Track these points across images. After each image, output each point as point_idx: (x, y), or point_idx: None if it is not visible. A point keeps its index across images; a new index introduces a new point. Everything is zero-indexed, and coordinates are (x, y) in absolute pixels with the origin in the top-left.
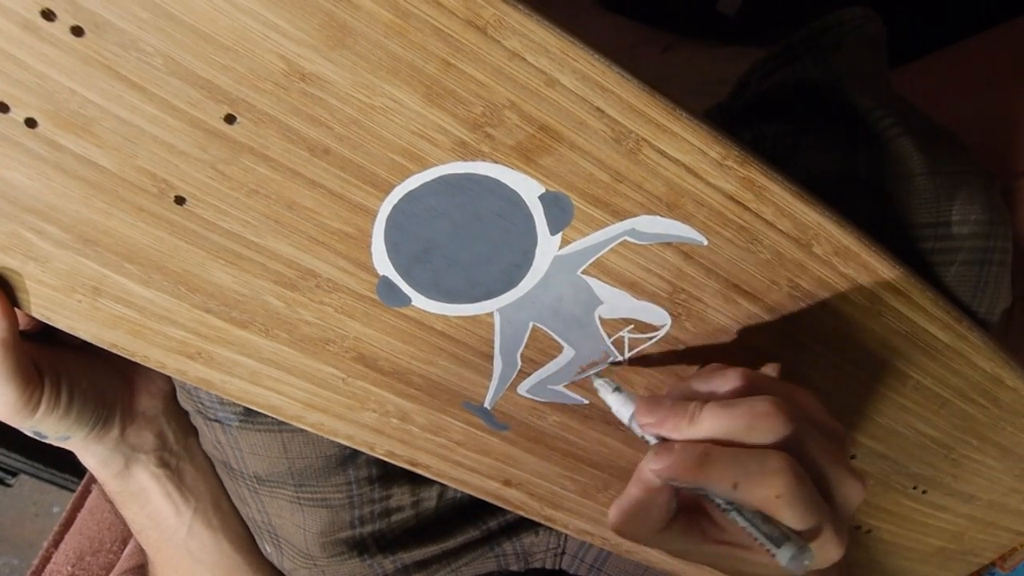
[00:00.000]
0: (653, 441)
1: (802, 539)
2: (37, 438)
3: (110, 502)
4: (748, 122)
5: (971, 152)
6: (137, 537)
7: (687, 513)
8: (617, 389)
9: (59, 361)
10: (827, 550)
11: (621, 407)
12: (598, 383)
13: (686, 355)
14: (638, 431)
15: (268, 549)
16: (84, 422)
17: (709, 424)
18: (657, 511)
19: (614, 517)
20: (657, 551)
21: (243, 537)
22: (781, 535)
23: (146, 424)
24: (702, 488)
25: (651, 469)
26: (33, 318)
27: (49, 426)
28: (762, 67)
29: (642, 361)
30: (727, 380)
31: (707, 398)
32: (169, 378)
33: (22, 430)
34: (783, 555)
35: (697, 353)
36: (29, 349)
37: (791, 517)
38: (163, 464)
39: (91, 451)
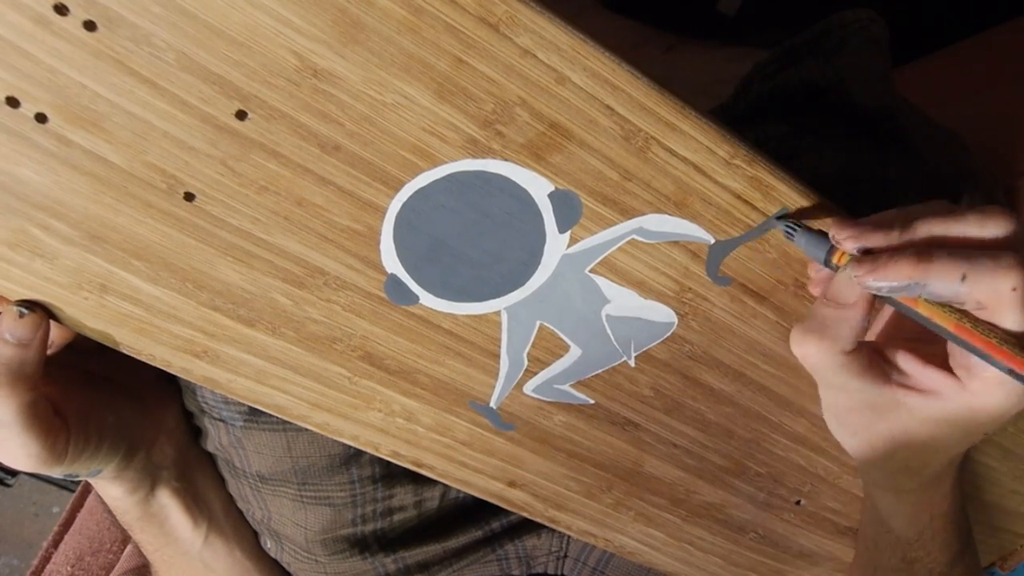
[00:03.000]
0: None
1: None
2: (68, 479)
3: (128, 530)
4: (750, 123)
5: (973, 152)
6: (150, 557)
7: (871, 354)
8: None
9: (83, 401)
10: None
11: (812, 247)
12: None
13: (693, 354)
14: (819, 258)
15: (268, 544)
16: (114, 453)
17: (927, 228)
18: (849, 330)
19: (797, 339)
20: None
21: (252, 542)
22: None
23: (168, 439)
24: (916, 285)
25: (856, 275)
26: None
27: (80, 467)
28: (764, 68)
29: (648, 361)
30: (935, 203)
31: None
32: (179, 391)
33: (54, 476)
34: None
35: (703, 352)
36: (52, 395)
37: (1016, 317)
38: (182, 477)
39: (121, 479)
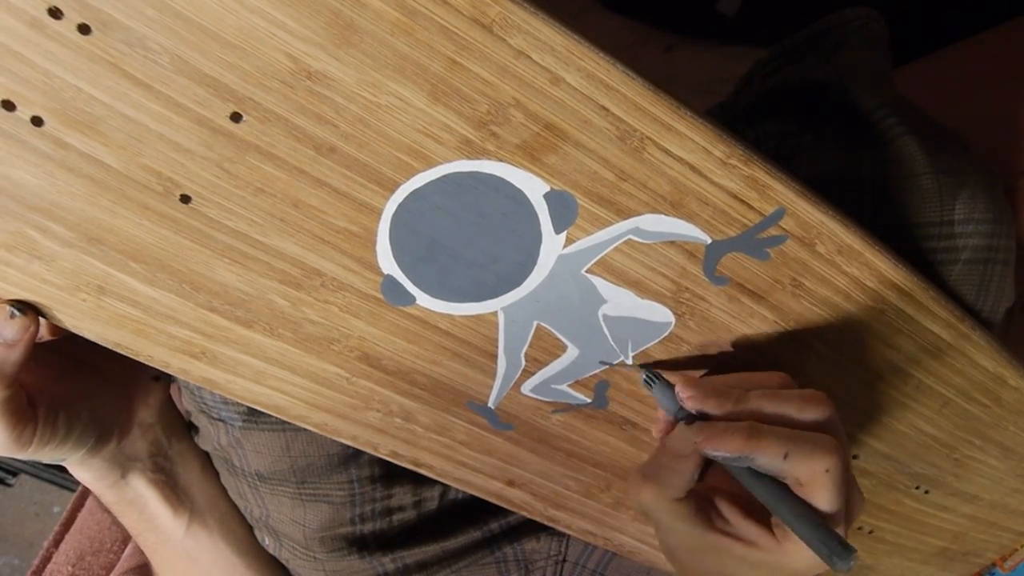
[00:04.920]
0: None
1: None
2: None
3: (107, 510)
4: (750, 121)
5: (974, 151)
6: (136, 540)
7: (699, 501)
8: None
9: (60, 393)
10: None
11: (666, 399)
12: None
13: (690, 354)
14: (671, 410)
15: (267, 541)
16: (80, 445)
17: (757, 403)
18: (680, 480)
19: (635, 482)
20: (655, 542)
21: (240, 536)
22: (829, 531)
23: (142, 433)
24: (744, 458)
25: (695, 440)
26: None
27: (44, 455)
28: (765, 66)
29: (646, 360)
30: (769, 376)
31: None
32: (164, 387)
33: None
34: (841, 556)
35: (701, 352)
36: (29, 384)
37: (829, 497)
38: (158, 469)
39: (87, 465)
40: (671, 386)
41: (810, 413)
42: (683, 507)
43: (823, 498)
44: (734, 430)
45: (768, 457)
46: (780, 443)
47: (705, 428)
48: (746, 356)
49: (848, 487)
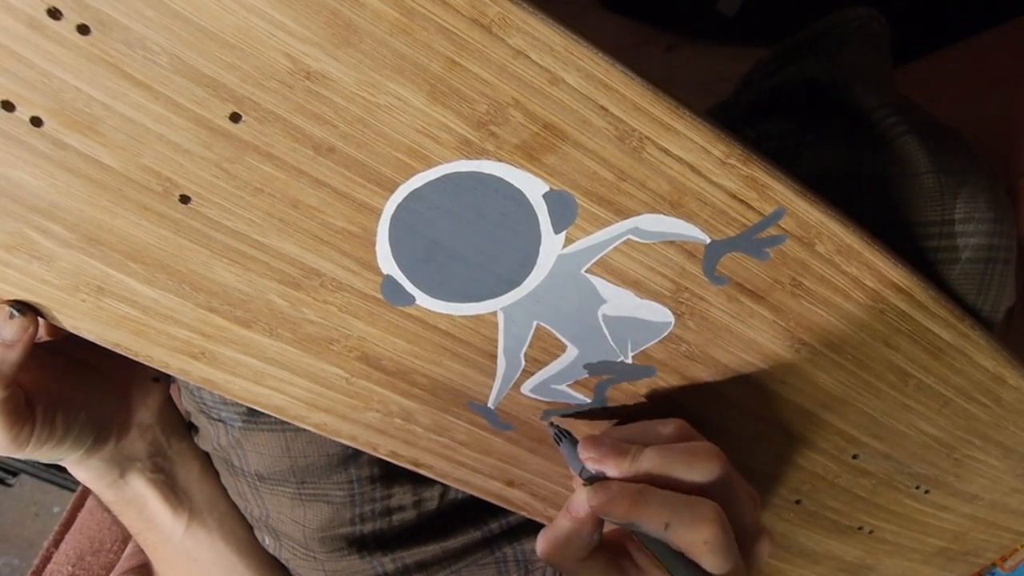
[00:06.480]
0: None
1: None
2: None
3: (107, 509)
4: (751, 121)
5: (975, 150)
6: (136, 539)
7: (610, 551)
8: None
9: (59, 393)
10: None
11: (572, 458)
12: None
13: (689, 354)
14: (576, 469)
15: (267, 540)
16: (78, 446)
17: (649, 463)
18: (580, 541)
19: (540, 543)
20: None
21: (239, 536)
22: None
23: (141, 434)
24: (633, 524)
25: (589, 504)
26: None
27: (42, 455)
28: (766, 66)
29: (645, 360)
30: (666, 426)
31: (644, 443)
32: (163, 387)
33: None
34: None
35: (700, 352)
36: (27, 384)
37: (712, 563)
38: (158, 469)
39: (85, 465)
40: (577, 443)
41: (697, 472)
42: (590, 563)
43: (707, 564)
44: (622, 496)
45: (650, 526)
46: (662, 513)
47: (598, 491)
48: (744, 357)
49: (746, 543)
